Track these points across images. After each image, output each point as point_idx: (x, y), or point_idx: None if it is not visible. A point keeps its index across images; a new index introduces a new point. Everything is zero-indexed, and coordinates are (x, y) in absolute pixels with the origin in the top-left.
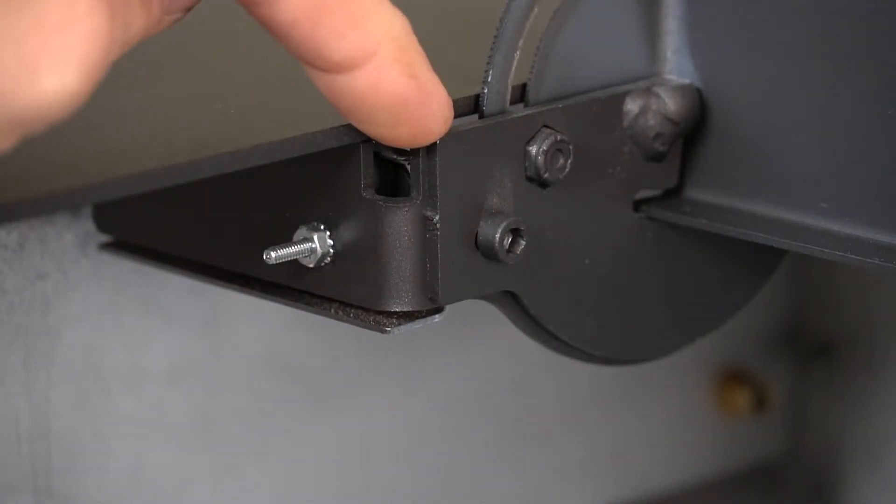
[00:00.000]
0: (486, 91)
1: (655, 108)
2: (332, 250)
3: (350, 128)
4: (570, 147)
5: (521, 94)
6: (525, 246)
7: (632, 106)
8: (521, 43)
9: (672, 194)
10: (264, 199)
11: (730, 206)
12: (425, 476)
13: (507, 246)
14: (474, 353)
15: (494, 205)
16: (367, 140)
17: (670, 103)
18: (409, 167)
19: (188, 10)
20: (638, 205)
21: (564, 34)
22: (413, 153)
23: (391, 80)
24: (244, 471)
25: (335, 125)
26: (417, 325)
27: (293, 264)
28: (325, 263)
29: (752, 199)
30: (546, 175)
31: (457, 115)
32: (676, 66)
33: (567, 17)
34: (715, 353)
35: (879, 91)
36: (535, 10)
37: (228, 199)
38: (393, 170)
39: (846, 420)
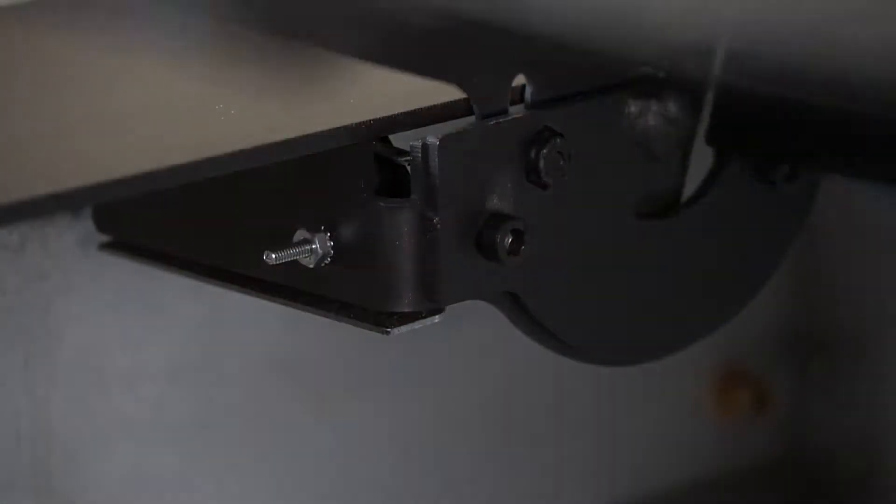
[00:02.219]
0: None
1: (656, 109)
2: (331, 251)
3: (350, 129)
4: (570, 148)
5: (520, 95)
6: (525, 247)
7: (632, 107)
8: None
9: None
10: (264, 199)
11: None
12: (425, 476)
13: (508, 247)
14: (474, 353)
15: (495, 206)
16: (367, 140)
17: (671, 104)
18: (409, 168)
19: None
20: (639, 205)
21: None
22: (413, 154)
23: None
24: (244, 471)
25: (335, 126)
26: (417, 325)
27: (293, 265)
28: (325, 264)
29: None
30: (546, 176)
31: (458, 116)
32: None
33: None
34: (715, 353)
35: None
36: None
37: (228, 199)
38: (393, 170)
39: (846, 420)
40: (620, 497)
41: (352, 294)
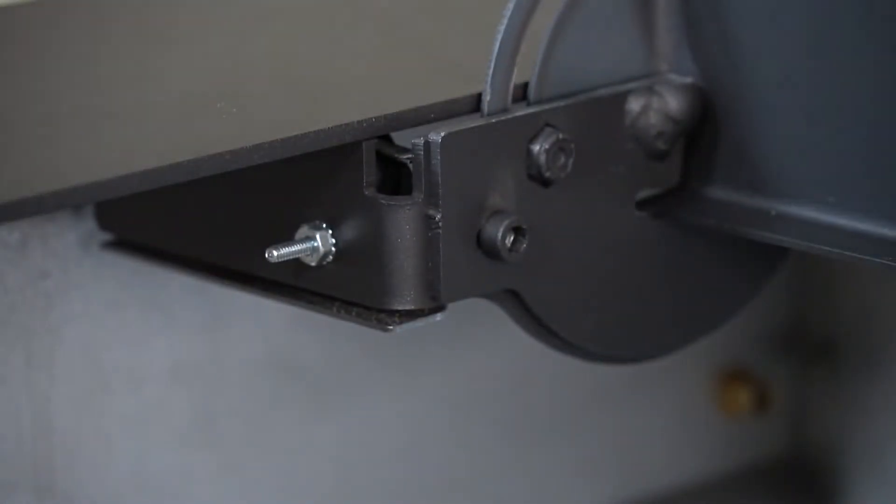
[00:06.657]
0: (488, 90)
1: (657, 107)
2: (333, 249)
3: (353, 126)
4: (572, 146)
5: (523, 93)
6: (527, 244)
7: (633, 105)
8: (523, 42)
9: (674, 192)
10: (266, 197)
11: (735, 202)
12: (426, 476)
13: (510, 244)
14: (475, 351)
15: (496, 203)
16: (369, 138)
17: (672, 102)
18: (411, 165)
19: None
20: (640, 203)
21: (565, 33)
22: (415, 152)
23: None
24: (244, 470)
25: (338, 123)
26: (419, 323)
27: (295, 263)
28: (327, 262)
29: (758, 195)
30: (548, 174)
31: (459, 114)
32: (677, 64)
33: (568, 15)
34: (716, 353)
35: (884, 82)
36: (537, 8)
37: (230, 197)
38: (395, 168)
39: (846, 420)
40: (621, 497)
41: (354, 292)
